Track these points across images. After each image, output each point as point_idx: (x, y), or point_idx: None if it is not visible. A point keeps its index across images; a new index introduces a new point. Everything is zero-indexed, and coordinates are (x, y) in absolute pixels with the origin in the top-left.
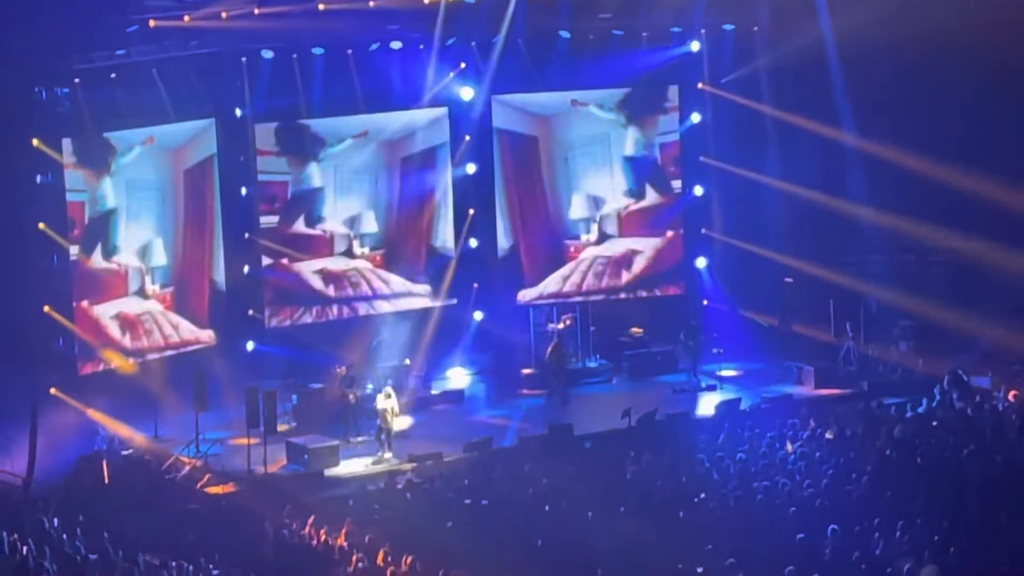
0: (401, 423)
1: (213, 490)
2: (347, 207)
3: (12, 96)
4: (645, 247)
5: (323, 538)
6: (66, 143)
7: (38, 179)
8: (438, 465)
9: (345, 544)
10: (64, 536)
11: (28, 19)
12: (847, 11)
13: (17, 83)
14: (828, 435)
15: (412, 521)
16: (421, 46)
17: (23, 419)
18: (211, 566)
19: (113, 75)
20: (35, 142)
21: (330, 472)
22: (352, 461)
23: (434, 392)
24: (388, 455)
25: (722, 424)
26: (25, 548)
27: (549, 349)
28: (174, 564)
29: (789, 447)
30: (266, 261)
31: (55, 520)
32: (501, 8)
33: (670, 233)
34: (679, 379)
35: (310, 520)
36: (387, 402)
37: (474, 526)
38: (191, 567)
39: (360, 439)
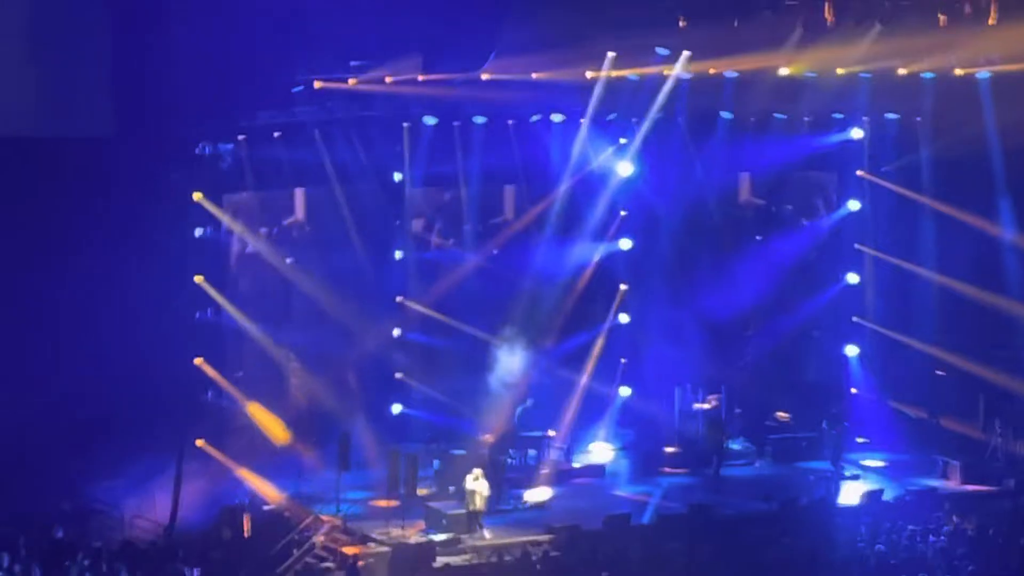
0: (540, 494)
1: (349, 550)
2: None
3: (176, 150)
4: None
5: None
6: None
7: (197, 232)
8: (575, 538)
9: None
10: None
11: (196, 74)
12: (1011, 104)
13: (182, 137)
14: (970, 532)
15: None
16: (582, 120)
17: (168, 468)
18: None
19: (276, 134)
20: (196, 196)
21: (468, 539)
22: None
23: (576, 465)
24: (486, 534)
25: (864, 514)
26: None
27: (706, 429)
28: None
29: (931, 542)
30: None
31: (195, 571)
32: (663, 86)
33: None
34: (822, 466)
35: None
36: (475, 484)
37: None
38: None
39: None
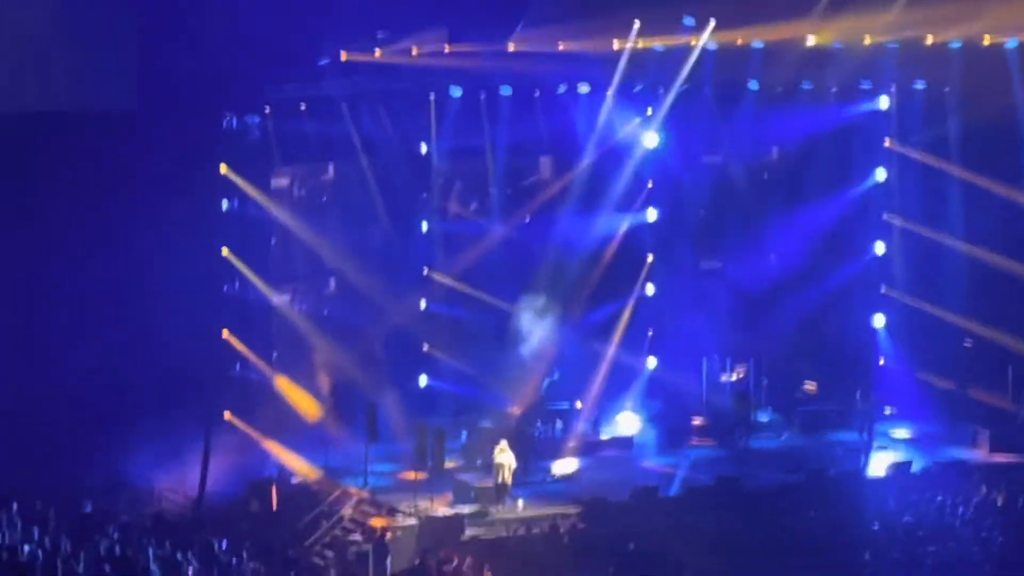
0: (567, 466)
1: (377, 523)
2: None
3: (203, 122)
4: None
5: None
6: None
7: (224, 205)
8: (602, 510)
9: None
10: (232, 559)
11: (222, 47)
12: None
13: (209, 109)
14: (999, 502)
15: (572, 564)
16: (608, 91)
17: (197, 441)
18: None
19: (303, 106)
20: (223, 168)
21: (495, 511)
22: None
23: (603, 437)
24: (519, 503)
25: (892, 485)
26: (191, 568)
27: (734, 402)
28: None
29: (960, 513)
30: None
31: (224, 542)
32: (689, 57)
33: None
34: (852, 437)
35: (469, 559)
36: (503, 456)
37: (634, 573)
38: None
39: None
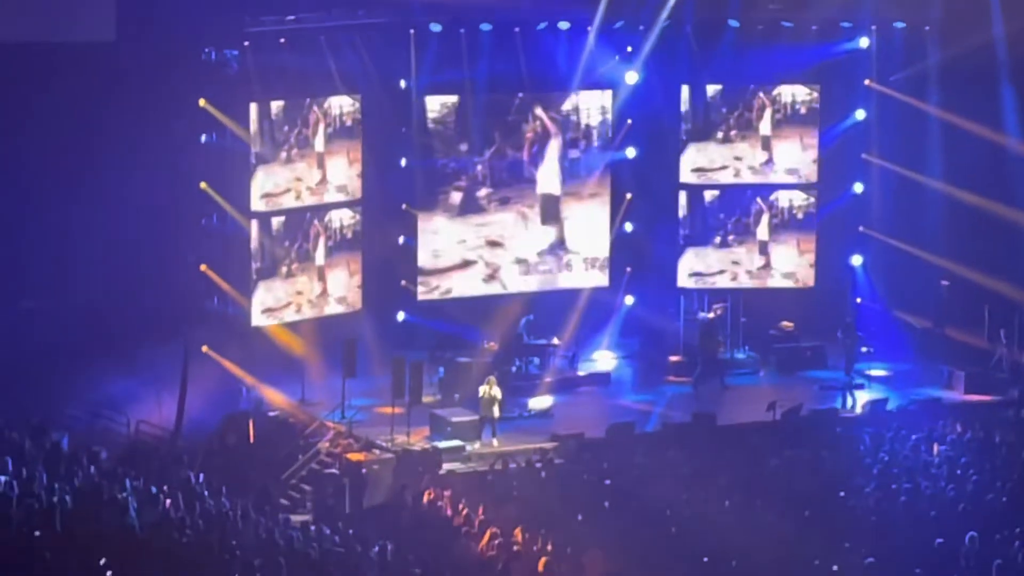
0: (543, 402)
1: (354, 457)
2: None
3: (182, 55)
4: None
5: (462, 511)
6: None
7: (203, 138)
8: (579, 446)
9: (482, 517)
10: (208, 492)
11: None
12: (1021, 12)
13: (186, 43)
14: (973, 441)
15: (549, 501)
16: (589, 28)
17: (174, 375)
18: (350, 530)
19: (282, 40)
20: (201, 102)
21: (472, 446)
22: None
23: (580, 373)
24: (495, 442)
25: (867, 423)
26: (169, 501)
27: (700, 337)
28: (312, 526)
29: (935, 450)
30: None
31: (200, 475)
32: None
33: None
34: (828, 375)
35: (448, 492)
36: (490, 391)
37: (611, 509)
38: (328, 528)
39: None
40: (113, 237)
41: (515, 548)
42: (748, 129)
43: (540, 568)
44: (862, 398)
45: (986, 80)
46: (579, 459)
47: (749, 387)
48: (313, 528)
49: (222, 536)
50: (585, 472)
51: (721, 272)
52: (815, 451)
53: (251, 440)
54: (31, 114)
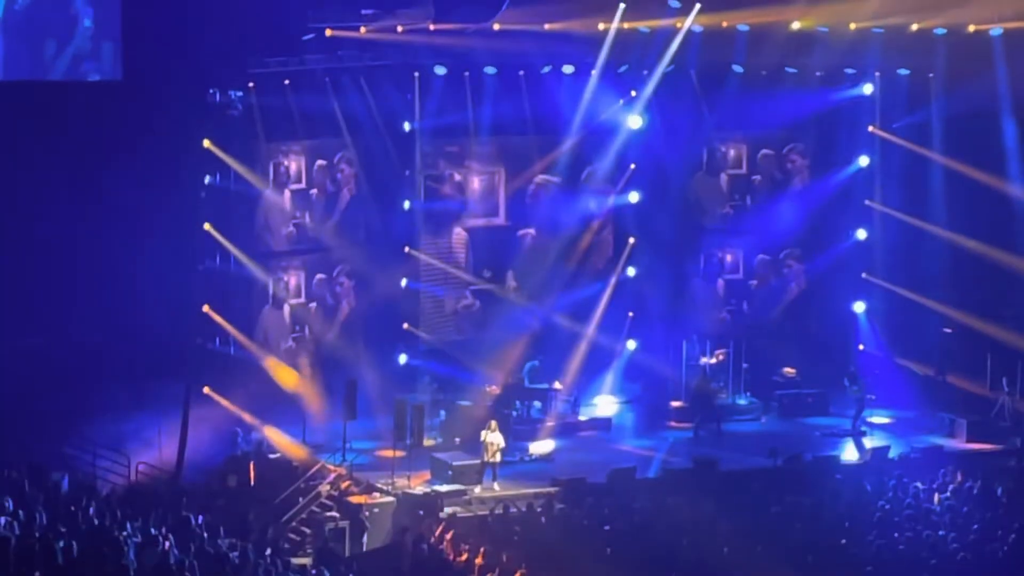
0: (545, 446)
1: (355, 500)
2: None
3: (187, 95)
4: None
5: (463, 555)
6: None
7: (206, 180)
8: (580, 491)
9: (483, 562)
10: (208, 534)
11: (206, 19)
12: None
13: (192, 83)
14: (975, 490)
15: (550, 545)
16: (593, 71)
17: (175, 415)
18: (350, 574)
19: (286, 82)
20: (206, 143)
21: (473, 490)
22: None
23: (582, 418)
24: (496, 486)
25: (869, 471)
26: (168, 542)
27: (695, 382)
28: (313, 570)
29: (936, 499)
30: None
31: (200, 517)
32: (674, 39)
33: None
34: (830, 422)
35: (449, 535)
36: (491, 435)
37: (612, 554)
38: (328, 572)
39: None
40: (115, 276)
41: None
42: None
43: None
44: (865, 445)
45: (989, 128)
46: (580, 504)
47: (751, 433)
48: (313, 572)
49: None
50: (586, 517)
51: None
52: (817, 498)
53: (252, 482)
54: (38, 152)
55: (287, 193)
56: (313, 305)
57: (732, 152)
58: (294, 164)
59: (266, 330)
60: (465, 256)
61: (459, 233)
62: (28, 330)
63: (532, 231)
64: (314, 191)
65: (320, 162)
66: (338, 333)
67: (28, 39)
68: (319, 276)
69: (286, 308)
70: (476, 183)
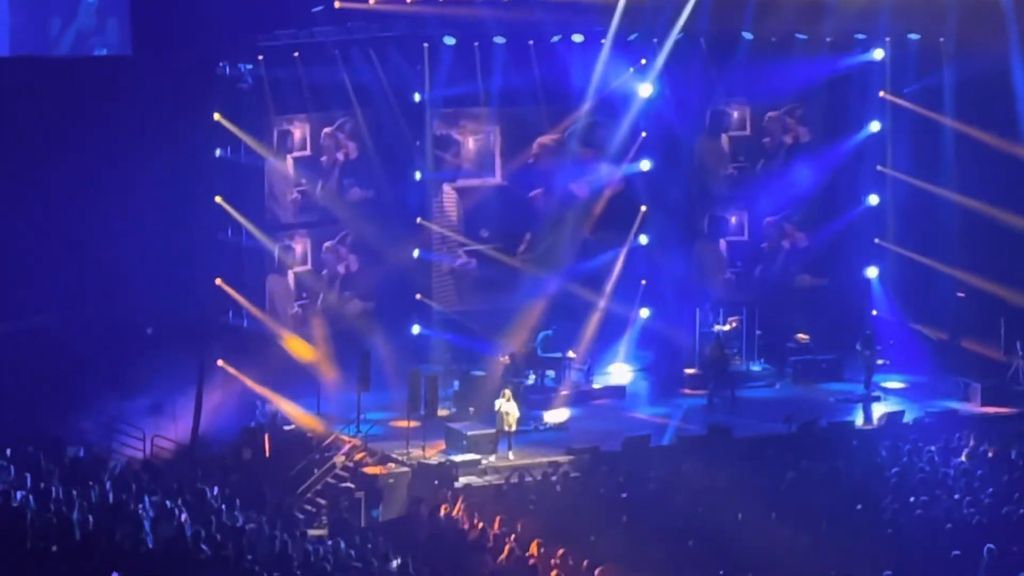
0: (559, 415)
1: (370, 470)
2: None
3: (197, 69)
4: None
5: (477, 524)
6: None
7: (217, 152)
8: (594, 459)
9: (498, 531)
10: (223, 506)
11: None
12: None
13: (201, 57)
14: (990, 454)
15: (565, 513)
16: (603, 40)
17: (190, 389)
18: (367, 544)
19: (296, 54)
20: (216, 116)
21: (487, 459)
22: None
23: (596, 386)
24: (511, 455)
25: (884, 436)
26: (184, 515)
27: (709, 349)
28: (328, 540)
29: (952, 463)
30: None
31: (215, 489)
32: (684, 6)
33: None
34: (845, 387)
35: (462, 505)
36: (507, 405)
37: (627, 522)
38: (344, 542)
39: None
40: (128, 251)
41: (531, 562)
42: None
43: None
44: (879, 410)
45: (999, 91)
46: (595, 472)
47: (765, 399)
48: (329, 542)
49: (237, 550)
50: (601, 485)
51: None
52: (832, 464)
53: (267, 454)
54: (48, 127)
55: (289, 160)
56: (324, 272)
57: (736, 114)
58: (298, 131)
59: (272, 297)
60: (457, 216)
61: (457, 195)
62: (41, 306)
63: (540, 191)
64: (324, 158)
65: (326, 129)
66: (349, 302)
67: (33, 15)
68: (326, 244)
69: (290, 275)
70: (487, 153)
